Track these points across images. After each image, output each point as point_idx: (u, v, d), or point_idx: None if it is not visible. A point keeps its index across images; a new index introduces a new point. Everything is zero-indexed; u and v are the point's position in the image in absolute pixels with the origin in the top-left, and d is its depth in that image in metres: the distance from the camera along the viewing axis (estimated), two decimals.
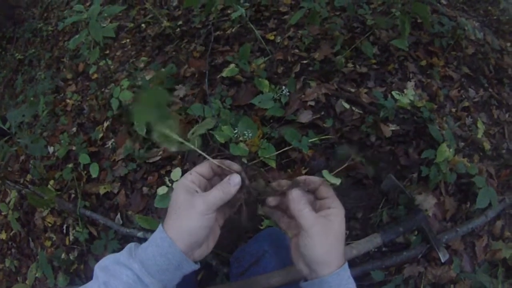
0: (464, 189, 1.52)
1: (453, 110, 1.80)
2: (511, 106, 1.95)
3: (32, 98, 2.55)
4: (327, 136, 1.52)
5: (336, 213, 0.62)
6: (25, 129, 2.37)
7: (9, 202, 2.07)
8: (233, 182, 0.60)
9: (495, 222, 1.50)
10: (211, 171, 0.64)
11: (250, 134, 1.36)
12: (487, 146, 1.67)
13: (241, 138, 1.37)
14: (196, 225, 0.57)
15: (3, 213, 2.09)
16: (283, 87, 1.55)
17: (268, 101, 1.52)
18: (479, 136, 1.67)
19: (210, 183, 0.65)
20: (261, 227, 1.38)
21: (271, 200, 0.64)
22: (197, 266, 0.61)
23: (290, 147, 1.42)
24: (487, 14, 2.65)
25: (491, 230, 1.49)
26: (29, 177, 2.10)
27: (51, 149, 2.08)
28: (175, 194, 0.60)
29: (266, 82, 1.62)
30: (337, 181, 0.63)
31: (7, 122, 1.76)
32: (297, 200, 0.60)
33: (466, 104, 1.82)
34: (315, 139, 1.46)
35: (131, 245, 0.61)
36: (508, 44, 2.37)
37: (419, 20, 2.07)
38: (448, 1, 2.53)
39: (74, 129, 2.08)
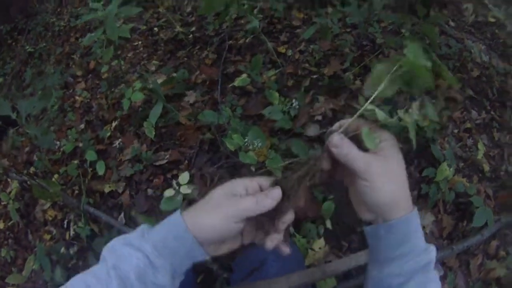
0: (462, 208, 1.55)
1: (455, 131, 1.83)
2: None
3: (40, 92, 2.57)
4: None
5: (389, 145, 0.55)
6: (32, 121, 2.39)
7: (10, 192, 2.07)
8: (272, 195, 0.54)
9: (490, 242, 1.52)
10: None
11: (260, 144, 1.40)
12: (486, 167, 1.71)
13: (250, 147, 1.40)
14: (214, 225, 0.53)
15: (3, 203, 2.09)
16: (293, 100, 1.59)
17: (278, 113, 1.56)
18: (479, 157, 1.71)
19: None
20: None
21: (325, 165, 0.56)
22: (207, 256, 0.56)
23: (297, 159, 1.45)
24: (494, 37, 2.69)
25: (486, 250, 1.52)
26: (32, 169, 2.12)
27: (57, 144, 2.10)
28: (217, 188, 0.57)
29: (276, 94, 1.66)
30: (373, 146, 0.54)
31: (15, 112, 1.77)
32: (339, 144, 0.53)
33: (468, 125, 1.86)
34: None
35: (143, 226, 0.58)
36: None
37: (427, 41, 2.12)
38: (456, 24, 2.57)
39: (82, 126, 2.10)
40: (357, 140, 0.55)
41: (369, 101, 0.55)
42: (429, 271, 0.56)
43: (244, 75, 1.78)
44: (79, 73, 2.58)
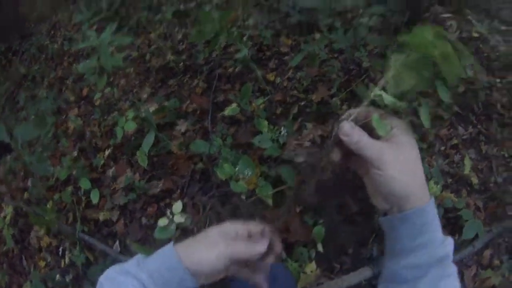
0: (452, 222, 1.58)
1: (442, 148, 1.87)
2: (499, 141, 1.99)
3: (33, 117, 2.59)
4: None
5: (401, 131, 0.53)
6: (25, 146, 2.40)
7: (5, 217, 2.08)
8: (259, 246, 0.59)
9: (483, 252, 1.56)
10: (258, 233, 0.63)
11: (250, 173, 1.44)
12: (475, 180, 1.75)
13: (241, 176, 1.44)
14: (210, 261, 0.57)
15: None
16: (282, 128, 1.63)
17: (267, 141, 1.61)
18: (466, 172, 1.75)
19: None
20: None
21: (336, 156, 0.55)
22: (197, 285, 0.60)
23: (287, 185, 1.49)
24: (478, 52, 2.74)
25: (480, 260, 1.55)
26: (26, 195, 2.13)
27: (51, 170, 2.12)
28: (212, 228, 0.62)
29: (265, 122, 1.70)
30: (385, 132, 0.53)
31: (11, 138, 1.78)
32: (349, 132, 0.51)
33: (455, 141, 1.89)
34: None
35: (138, 256, 0.62)
36: (497, 80, 2.45)
37: None
38: None
39: (75, 153, 2.12)
40: (367, 128, 0.53)
41: (377, 87, 0.53)
42: (447, 265, 0.54)
43: (234, 105, 1.82)
44: (72, 98, 2.60)
